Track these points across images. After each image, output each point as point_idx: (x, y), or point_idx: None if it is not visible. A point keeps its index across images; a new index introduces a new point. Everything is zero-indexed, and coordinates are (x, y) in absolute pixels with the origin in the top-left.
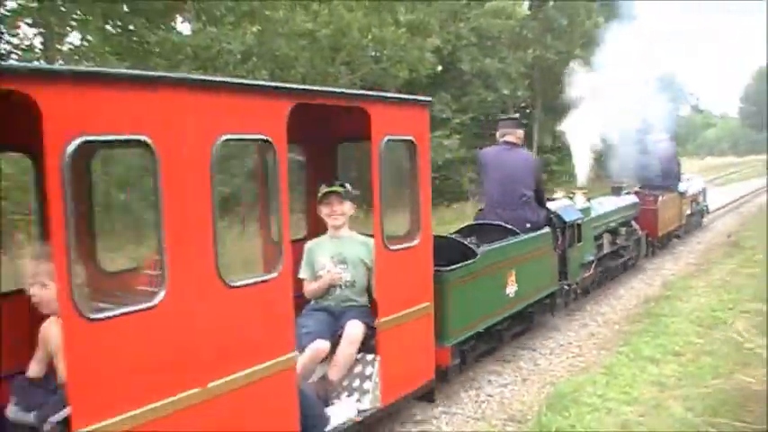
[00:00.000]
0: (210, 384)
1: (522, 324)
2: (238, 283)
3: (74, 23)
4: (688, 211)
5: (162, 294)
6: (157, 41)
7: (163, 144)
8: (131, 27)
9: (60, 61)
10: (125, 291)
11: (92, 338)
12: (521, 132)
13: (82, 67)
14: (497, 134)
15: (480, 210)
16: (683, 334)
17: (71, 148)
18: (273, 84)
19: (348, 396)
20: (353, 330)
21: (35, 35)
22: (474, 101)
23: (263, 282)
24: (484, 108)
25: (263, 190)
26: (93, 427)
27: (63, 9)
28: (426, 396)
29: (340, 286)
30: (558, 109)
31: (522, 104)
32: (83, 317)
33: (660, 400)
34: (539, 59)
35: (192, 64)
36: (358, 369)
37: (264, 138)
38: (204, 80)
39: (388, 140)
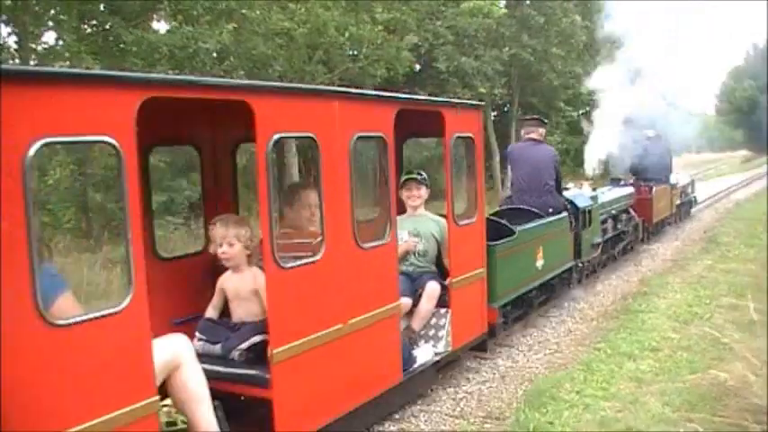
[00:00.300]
0: (350, 321)
1: (546, 293)
2: (367, 246)
3: (49, 23)
4: (678, 202)
5: (321, 253)
6: (134, 41)
7: (324, 139)
8: (107, 26)
9: (34, 61)
10: (297, 251)
11: (283, 282)
12: (542, 130)
13: (280, 83)
14: (522, 131)
15: (508, 197)
16: (659, 329)
17: (271, 142)
18: (386, 94)
19: (426, 342)
20: (433, 288)
21: (9, 34)
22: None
23: (380, 245)
24: None
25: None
26: (284, 347)
27: (37, 8)
28: (480, 346)
29: (414, 254)
30: (535, 108)
31: (500, 102)
32: (280, 267)
33: (637, 395)
34: (515, 58)
35: (167, 63)
36: (434, 321)
37: (381, 135)
38: (347, 92)
39: (456, 137)
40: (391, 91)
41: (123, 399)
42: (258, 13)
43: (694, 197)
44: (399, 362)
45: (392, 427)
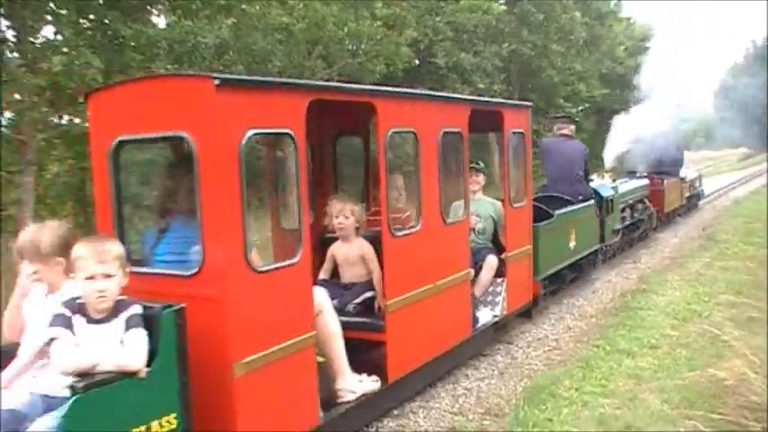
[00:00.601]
0: (438, 282)
1: (575, 272)
2: (449, 221)
3: (48, 17)
4: (687, 194)
5: (420, 225)
6: (132, 35)
7: (422, 134)
8: (106, 21)
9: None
10: (401, 224)
11: (394, 247)
12: (572, 127)
13: (394, 89)
14: (555, 128)
15: (543, 185)
16: (658, 327)
17: (388, 135)
18: (464, 97)
19: (485, 307)
20: (492, 261)
21: (8, 28)
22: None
23: (459, 222)
24: None
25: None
26: (394, 299)
27: (36, 1)
28: (525, 313)
29: (474, 231)
30: (535, 104)
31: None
32: (393, 236)
33: (636, 392)
34: (515, 54)
35: (167, 58)
36: (492, 289)
37: (457, 130)
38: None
39: (512, 133)
40: (389, 86)
41: (297, 329)
42: (257, 8)
43: (702, 190)
44: (470, 319)
45: (391, 423)
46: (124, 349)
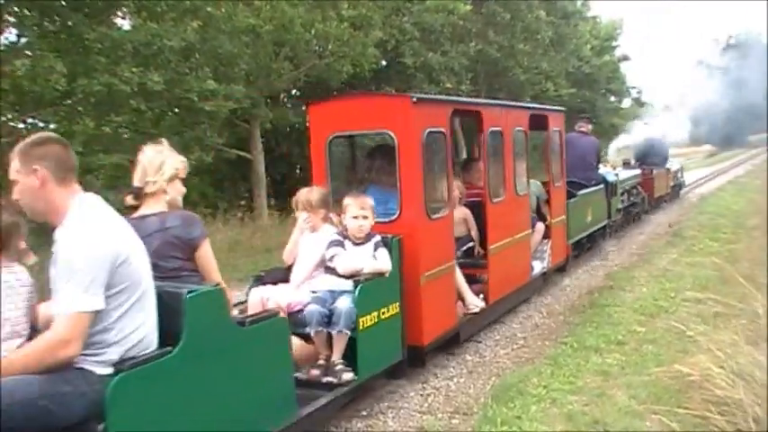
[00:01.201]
0: (514, 237)
1: (590, 242)
2: (519, 194)
3: (11, 19)
4: (672, 183)
5: (504, 195)
6: (97, 38)
7: (506, 131)
8: (70, 23)
9: None
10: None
11: (493, 209)
12: (590, 127)
13: (491, 101)
14: (576, 126)
15: None
16: (625, 323)
17: (488, 133)
18: (524, 104)
19: (535, 260)
20: (540, 226)
21: None
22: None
23: (524, 194)
24: None
25: (525, 154)
26: (493, 246)
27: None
28: (561, 268)
29: None
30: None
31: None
32: (492, 202)
33: (604, 388)
34: (482, 54)
35: (132, 61)
36: (540, 247)
37: (523, 129)
38: (507, 104)
39: (554, 131)
40: (357, 87)
41: (449, 258)
42: (224, 10)
43: (683, 180)
44: (529, 267)
45: (359, 424)
46: (377, 260)
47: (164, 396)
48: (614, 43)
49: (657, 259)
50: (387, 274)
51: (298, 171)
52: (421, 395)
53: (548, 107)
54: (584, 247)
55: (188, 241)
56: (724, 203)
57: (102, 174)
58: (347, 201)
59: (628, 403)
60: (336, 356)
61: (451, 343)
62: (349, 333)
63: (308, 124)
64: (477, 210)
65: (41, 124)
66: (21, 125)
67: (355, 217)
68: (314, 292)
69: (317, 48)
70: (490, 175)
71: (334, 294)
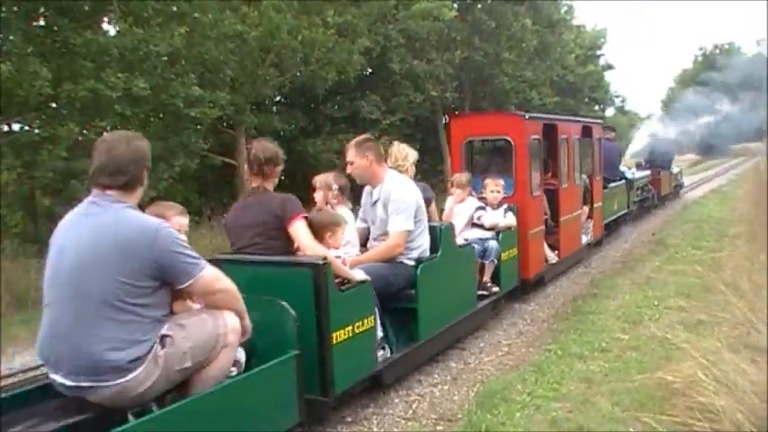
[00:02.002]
0: (573, 213)
1: (615, 226)
2: (577, 183)
3: None
4: (674, 183)
5: (567, 184)
6: (83, 43)
7: (569, 138)
8: (55, 28)
9: None
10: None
11: (564, 193)
12: (614, 134)
13: (565, 116)
14: (603, 133)
15: None
16: (609, 330)
17: (563, 139)
18: (581, 119)
19: (582, 235)
20: (585, 209)
21: None
22: (403, 102)
23: (579, 184)
24: (413, 109)
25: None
26: (564, 217)
27: None
28: (598, 243)
29: None
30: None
31: (452, 106)
32: (562, 188)
33: (588, 395)
34: (467, 61)
35: (117, 66)
36: (585, 224)
37: (578, 137)
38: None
39: (596, 138)
40: (342, 94)
41: (541, 224)
42: (210, 16)
43: (683, 182)
44: (580, 238)
45: (345, 430)
46: (507, 219)
47: (436, 277)
48: (598, 52)
49: (641, 267)
50: (513, 229)
51: (282, 177)
52: (405, 402)
53: (592, 120)
54: (610, 230)
55: None
56: (707, 211)
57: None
58: (487, 181)
59: (611, 410)
60: (487, 277)
61: (539, 285)
62: (496, 262)
63: (448, 131)
64: (551, 194)
65: (26, 128)
66: (5, 128)
67: (492, 191)
68: (466, 240)
69: (302, 54)
70: (560, 169)
71: (483, 240)
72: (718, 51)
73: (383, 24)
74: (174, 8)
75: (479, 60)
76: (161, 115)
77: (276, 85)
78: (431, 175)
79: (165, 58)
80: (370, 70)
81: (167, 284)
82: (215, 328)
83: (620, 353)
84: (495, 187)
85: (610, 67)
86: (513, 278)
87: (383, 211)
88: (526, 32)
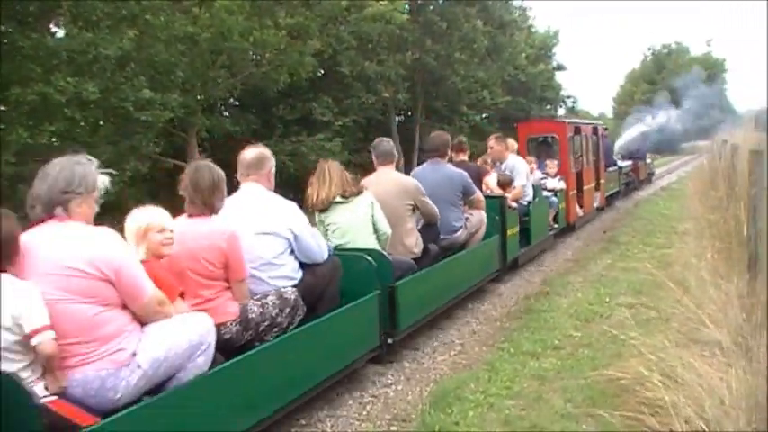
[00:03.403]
0: (590, 185)
1: (609, 201)
2: (590, 166)
3: None
4: (648, 171)
5: (585, 167)
6: (31, 46)
7: (588, 136)
8: (1, 29)
9: None
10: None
11: (584, 173)
12: (607, 132)
13: (585, 121)
14: (600, 132)
15: None
16: (561, 328)
17: (582, 136)
18: (590, 122)
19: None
20: (594, 183)
21: None
22: (355, 104)
23: (594, 167)
24: (365, 111)
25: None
26: (586, 187)
27: None
28: (601, 209)
29: None
30: (439, 112)
31: (404, 107)
32: (584, 169)
33: (541, 392)
34: (419, 63)
35: (67, 69)
36: (594, 194)
37: (589, 134)
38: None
39: (601, 135)
40: (294, 96)
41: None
42: (162, 19)
43: (654, 170)
44: (593, 204)
45: None
46: (559, 185)
47: (536, 212)
48: (550, 53)
49: (593, 265)
50: (562, 191)
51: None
52: (359, 403)
53: (597, 123)
54: (609, 202)
55: None
56: (657, 209)
57: None
58: (548, 162)
59: (564, 407)
60: (550, 219)
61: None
62: (555, 211)
63: (517, 131)
64: (577, 172)
65: None
66: None
67: (550, 167)
68: (529, 201)
69: (254, 56)
70: (583, 156)
71: (548, 197)
72: (666, 51)
73: (335, 26)
74: (124, 11)
75: (431, 61)
76: (111, 119)
77: (227, 87)
78: None
79: (115, 61)
80: (322, 72)
81: None
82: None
83: (572, 350)
84: (553, 166)
85: (561, 67)
86: (563, 221)
87: (510, 174)
88: (477, 33)
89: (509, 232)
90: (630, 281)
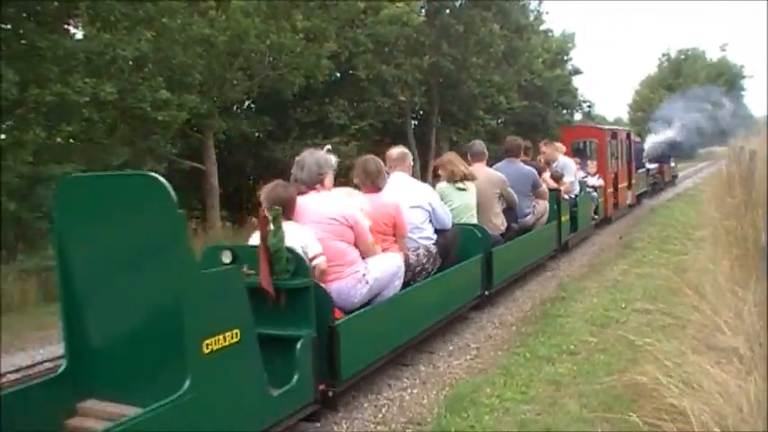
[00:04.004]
0: (623, 184)
1: (641, 198)
2: (624, 168)
3: None
4: (672, 174)
5: (620, 169)
6: (49, 46)
7: (622, 142)
8: (21, 31)
9: None
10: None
11: (618, 173)
12: (638, 138)
13: (621, 128)
14: (633, 138)
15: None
16: (577, 333)
17: (618, 140)
18: (623, 128)
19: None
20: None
21: None
22: (371, 107)
23: (627, 168)
24: (381, 114)
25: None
26: (620, 185)
27: None
28: (632, 206)
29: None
30: (455, 116)
31: (420, 111)
32: (618, 170)
33: (556, 397)
34: (435, 66)
35: (84, 70)
36: (627, 192)
37: (624, 139)
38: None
39: (633, 141)
40: (310, 98)
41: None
42: (179, 21)
43: (678, 173)
44: (626, 199)
45: None
46: (599, 182)
47: (581, 203)
48: (566, 57)
49: (608, 270)
50: (601, 188)
51: (250, 182)
52: (375, 406)
53: (629, 130)
54: (637, 200)
55: None
56: (673, 215)
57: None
58: (589, 162)
59: (579, 411)
60: (591, 211)
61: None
62: (595, 204)
63: (562, 136)
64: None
65: None
66: None
67: (591, 167)
68: (576, 195)
69: (270, 59)
70: (619, 158)
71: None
72: (682, 57)
73: (351, 29)
74: (141, 12)
75: (448, 65)
76: (128, 120)
77: (244, 90)
78: None
79: (133, 62)
80: (338, 75)
81: None
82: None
83: (587, 355)
84: (593, 166)
85: (577, 71)
86: (602, 213)
87: (560, 171)
88: (494, 37)
89: (563, 219)
90: (646, 287)
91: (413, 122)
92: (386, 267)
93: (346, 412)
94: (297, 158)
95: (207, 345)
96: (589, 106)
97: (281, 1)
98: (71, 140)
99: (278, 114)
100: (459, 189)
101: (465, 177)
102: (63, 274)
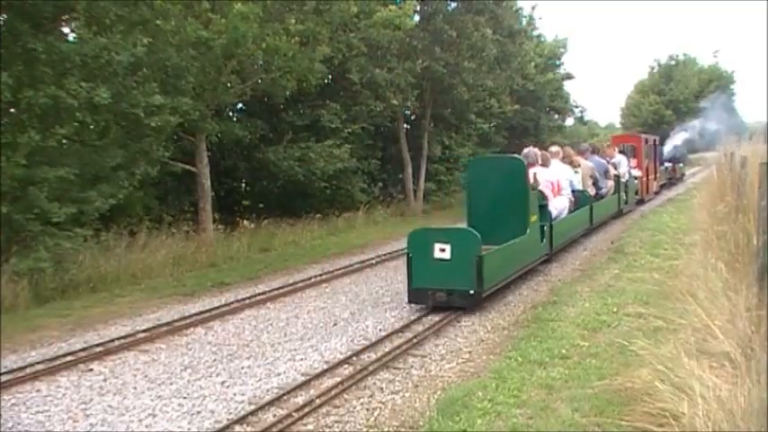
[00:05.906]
0: (650, 177)
1: (660, 188)
2: (656, 164)
3: None
4: (682, 172)
5: (649, 164)
6: (44, 49)
7: (651, 146)
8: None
9: None
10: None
11: (648, 167)
12: (658, 139)
13: (647, 135)
14: (653, 140)
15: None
16: (569, 337)
17: (648, 144)
18: (647, 135)
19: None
20: (652, 176)
21: None
22: (364, 111)
23: (653, 165)
24: (373, 118)
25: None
26: (649, 177)
27: None
28: (656, 193)
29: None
30: (447, 120)
31: (412, 115)
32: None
33: (548, 402)
34: (428, 70)
35: (79, 73)
36: (654, 183)
37: (652, 145)
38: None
39: (657, 145)
40: (303, 102)
41: (642, 180)
42: (173, 23)
43: (685, 172)
44: (652, 189)
45: None
46: (637, 173)
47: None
48: (558, 62)
49: (600, 275)
50: (639, 178)
51: (243, 185)
52: (367, 409)
53: (653, 136)
54: (659, 191)
55: None
56: (664, 221)
57: (47, 186)
58: (631, 159)
59: (571, 416)
60: (633, 193)
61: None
62: (636, 189)
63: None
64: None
65: None
66: None
67: (632, 163)
68: (627, 180)
69: (263, 62)
70: (650, 157)
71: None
72: (673, 62)
73: (344, 33)
74: (138, 13)
75: (440, 69)
76: (122, 123)
77: (237, 93)
78: (390, 183)
79: (127, 66)
80: (330, 78)
81: None
82: None
83: (579, 359)
84: (633, 162)
85: (569, 76)
86: (640, 195)
87: (617, 164)
88: (486, 42)
89: (621, 194)
90: (638, 291)
91: (405, 126)
92: (560, 205)
93: (338, 416)
94: (524, 150)
95: (532, 218)
96: (581, 111)
97: (276, 0)
98: (64, 143)
99: (271, 118)
100: (575, 171)
101: (578, 164)
102: (469, 196)
